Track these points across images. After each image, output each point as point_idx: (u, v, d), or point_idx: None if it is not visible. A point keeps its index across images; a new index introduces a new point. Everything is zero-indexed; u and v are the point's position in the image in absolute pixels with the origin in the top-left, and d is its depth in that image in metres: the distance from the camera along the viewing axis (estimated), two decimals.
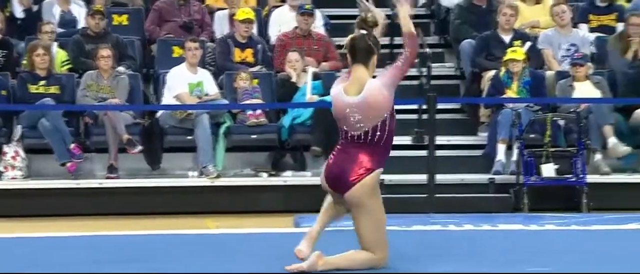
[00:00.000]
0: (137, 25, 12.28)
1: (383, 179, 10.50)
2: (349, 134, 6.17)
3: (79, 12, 12.16)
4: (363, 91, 6.10)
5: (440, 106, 10.63)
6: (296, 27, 11.70)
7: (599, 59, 11.61)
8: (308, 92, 10.95)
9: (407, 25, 6.20)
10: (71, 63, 11.42)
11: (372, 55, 6.22)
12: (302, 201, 10.42)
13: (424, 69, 11.58)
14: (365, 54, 6.21)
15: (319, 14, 12.18)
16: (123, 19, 12.34)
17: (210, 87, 11.01)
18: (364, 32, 6.25)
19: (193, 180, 10.65)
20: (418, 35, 6.26)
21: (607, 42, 11.65)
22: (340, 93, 6.19)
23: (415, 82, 11.73)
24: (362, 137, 6.13)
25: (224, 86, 11.26)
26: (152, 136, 10.86)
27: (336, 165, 6.18)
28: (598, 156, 10.65)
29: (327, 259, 6.21)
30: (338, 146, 6.25)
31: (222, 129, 10.79)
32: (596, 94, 10.84)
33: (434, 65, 11.86)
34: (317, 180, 10.72)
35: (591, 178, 10.34)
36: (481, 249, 7.31)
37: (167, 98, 10.95)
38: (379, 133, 6.12)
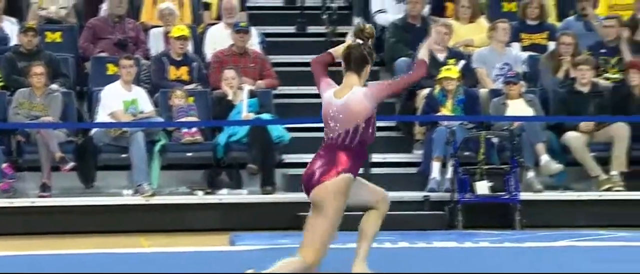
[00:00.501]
0: (70, 42, 12.16)
1: None
2: (327, 137, 6.30)
3: (11, 30, 12.01)
4: (346, 95, 6.22)
5: (376, 124, 10.64)
6: (232, 45, 11.67)
7: (531, 78, 11.72)
8: (244, 110, 10.92)
9: (423, 53, 6.45)
10: (3, 81, 11.28)
11: (366, 65, 6.36)
12: (238, 219, 10.42)
13: None
14: (359, 63, 6.33)
15: (254, 31, 12.16)
16: (56, 37, 12.22)
17: (145, 105, 10.95)
18: (360, 41, 6.38)
19: (128, 198, 10.55)
20: (426, 66, 6.41)
21: (539, 61, 11.78)
22: (330, 96, 6.32)
23: None
24: (335, 139, 6.23)
25: (159, 103, 11.19)
26: (86, 154, 10.75)
27: (310, 166, 6.29)
28: (531, 174, 10.72)
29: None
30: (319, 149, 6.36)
31: (157, 147, 10.71)
32: (529, 112, 10.94)
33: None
34: (253, 198, 10.78)
35: (524, 195, 10.41)
36: (416, 267, 7.32)
37: (102, 116, 10.86)
38: (349, 137, 6.20)
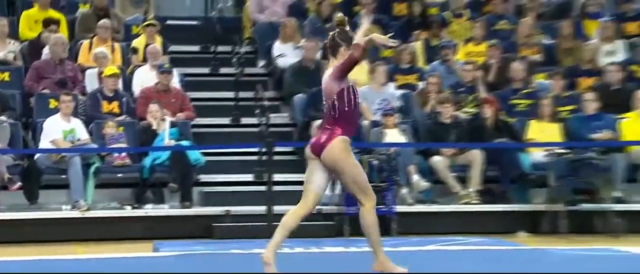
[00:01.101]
0: (17, 81, 11.90)
1: (229, 210, 10.53)
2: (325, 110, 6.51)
3: None
4: (324, 76, 6.52)
5: (277, 149, 10.66)
6: (157, 83, 11.57)
7: (405, 111, 11.84)
8: (166, 137, 10.84)
9: (359, 36, 6.47)
10: None
11: (338, 47, 6.50)
12: (161, 230, 10.29)
13: (263, 118, 11.61)
14: (333, 48, 6.53)
15: (175, 72, 12.09)
16: (5, 76, 11.96)
17: (82, 134, 10.78)
18: (336, 30, 6.57)
19: (66, 213, 10.33)
20: (360, 47, 6.42)
21: (410, 97, 11.91)
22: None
23: (256, 129, 11.72)
24: (327, 112, 6.49)
25: (93, 132, 11.03)
26: (31, 175, 10.54)
27: (317, 138, 6.51)
28: (404, 190, 10.80)
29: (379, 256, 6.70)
30: None
31: (92, 169, 10.54)
32: (402, 139, 11.03)
33: (272, 115, 11.88)
34: (174, 211, 10.68)
35: (399, 208, 10.46)
36: (310, 268, 7.31)
37: (44, 143, 10.66)
38: (334, 110, 6.43)
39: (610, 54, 12.68)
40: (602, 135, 10.96)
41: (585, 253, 7.77)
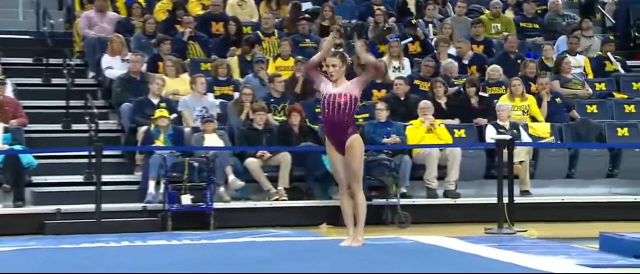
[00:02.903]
0: None
1: (59, 209, 10.23)
2: None
3: None
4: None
5: (105, 153, 10.45)
6: None
7: (222, 118, 11.87)
8: (0, 142, 10.40)
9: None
10: None
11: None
12: None
13: (93, 125, 11.37)
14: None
15: (9, 82, 11.61)
16: None
17: None
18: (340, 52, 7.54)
19: None
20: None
21: (227, 106, 11.94)
22: None
23: (85, 135, 11.46)
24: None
25: None
26: None
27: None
28: (222, 189, 10.81)
29: (357, 233, 7.39)
30: None
31: None
32: (220, 143, 11.05)
33: (100, 121, 11.65)
34: (7, 210, 10.23)
35: (217, 205, 10.48)
36: (136, 259, 7.22)
37: None
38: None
39: (397, 70, 13.19)
40: (392, 139, 11.38)
41: (374, 243, 8.03)
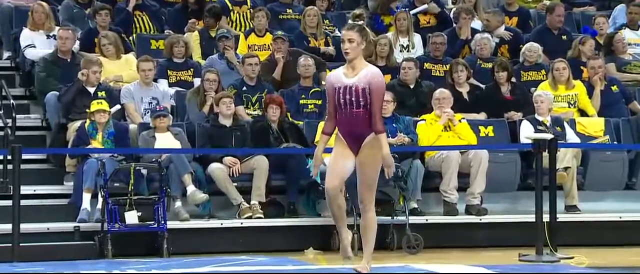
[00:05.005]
0: None
1: None
2: None
3: None
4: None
5: (25, 156, 10.40)
6: None
7: (179, 112, 11.86)
8: None
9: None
10: None
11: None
12: None
13: (9, 120, 11.33)
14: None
15: None
16: None
17: None
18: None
19: None
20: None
21: (185, 96, 11.94)
22: None
23: (0, 133, 11.44)
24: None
25: None
26: None
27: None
28: (178, 203, 10.80)
29: (365, 258, 7.56)
30: None
31: None
32: (176, 144, 11.04)
33: (19, 116, 11.62)
34: None
35: (172, 224, 10.47)
36: None
37: None
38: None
39: (405, 49, 13.21)
40: (398, 139, 11.39)
41: (378, 273, 8.04)
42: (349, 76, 7.36)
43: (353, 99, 7.33)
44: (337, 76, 7.43)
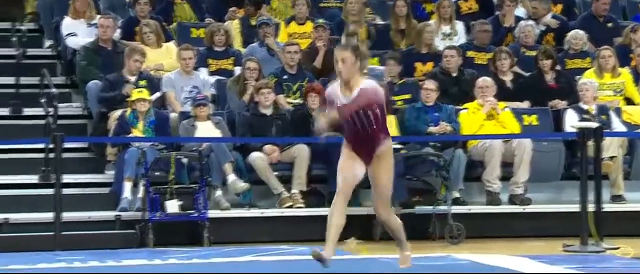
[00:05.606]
0: None
1: (7, 218, 10.28)
2: None
3: None
4: None
5: (67, 145, 10.46)
6: None
7: (219, 100, 11.87)
8: None
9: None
10: None
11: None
12: None
13: (51, 109, 11.40)
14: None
15: None
16: None
17: None
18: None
19: None
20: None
21: (225, 85, 11.94)
22: None
23: (41, 122, 11.50)
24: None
25: None
26: None
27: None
28: (218, 192, 10.81)
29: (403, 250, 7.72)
30: None
31: None
32: (216, 133, 11.05)
33: (60, 105, 11.67)
34: None
35: (212, 213, 10.48)
36: None
37: None
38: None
39: (448, 37, 13.12)
40: (441, 128, 11.33)
41: (420, 263, 8.00)
42: (346, 94, 7.38)
43: (356, 120, 7.35)
44: (335, 93, 7.45)
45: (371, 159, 7.38)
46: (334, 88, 7.44)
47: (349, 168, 7.42)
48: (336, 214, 7.44)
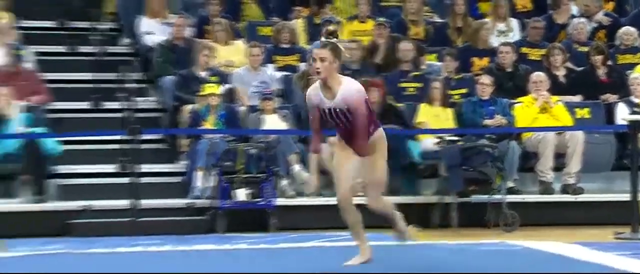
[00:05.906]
0: None
1: (88, 205, 10.51)
2: None
3: None
4: None
5: (143, 137, 10.67)
6: (6, 64, 11.41)
7: (285, 95, 12.01)
8: (17, 124, 10.73)
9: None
10: None
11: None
12: (12, 227, 10.18)
13: (128, 103, 11.61)
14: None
15: (27, 50, 11.94)
16: None
17: None
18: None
19: None
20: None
21: (291, 80, 12.08)
22: None
23: (119, 115, 11.72)
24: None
25: None
26: None
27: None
28: (284, 182, 10.94)
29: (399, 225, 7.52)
30: None
31: None
32: (283, 126, 11.19)
33: (137, 99, 11.90)
34: (25, 207, 10.55)
35: (278, 201, 10.62)
36: (176, 267, 7.40)
37: None
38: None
39: (503, 34, 13.13)
40: (496, 121, 11.37)
41: (476, 249, 8.07)
42: (327, 96, 6.89)
43: (342, 119, 6.91)
44: (317, 95, 6.95)
45: (365, 151, 7.03)
46: (316, 91, 6.96)
47: (342, 168, 7.12)
48: (350, 212, 7.18)
